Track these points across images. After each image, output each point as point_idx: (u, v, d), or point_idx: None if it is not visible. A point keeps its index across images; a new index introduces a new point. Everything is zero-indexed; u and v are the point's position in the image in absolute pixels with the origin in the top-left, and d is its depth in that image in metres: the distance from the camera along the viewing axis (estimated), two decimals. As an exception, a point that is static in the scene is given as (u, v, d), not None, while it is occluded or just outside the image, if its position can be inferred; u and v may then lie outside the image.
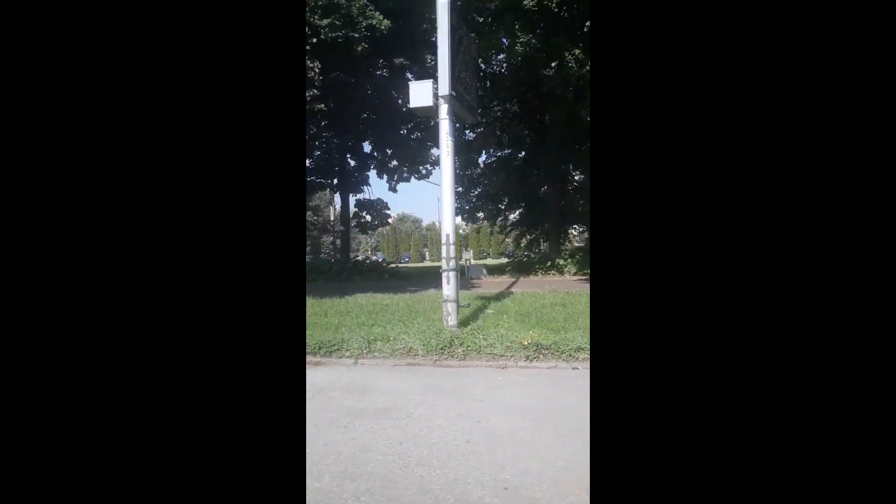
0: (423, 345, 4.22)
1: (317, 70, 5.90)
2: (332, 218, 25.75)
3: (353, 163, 16.68)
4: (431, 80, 4.58)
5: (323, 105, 6.06)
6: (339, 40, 5.75)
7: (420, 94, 4.52)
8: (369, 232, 22.32)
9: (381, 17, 5.84)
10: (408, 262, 26.68)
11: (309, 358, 4.30)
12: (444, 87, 4.22)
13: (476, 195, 17.59)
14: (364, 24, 5.80)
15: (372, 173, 17.80)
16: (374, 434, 2.64)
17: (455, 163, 4.67)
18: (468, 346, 4.15)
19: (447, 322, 4.73)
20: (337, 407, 3.10)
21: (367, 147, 16.60)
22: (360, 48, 5.88)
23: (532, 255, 16.10)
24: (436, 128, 14.96)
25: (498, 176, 16.38)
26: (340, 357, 4.27)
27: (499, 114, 15.41)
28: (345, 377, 3.80)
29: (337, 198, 21.27)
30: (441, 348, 4.16)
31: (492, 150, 16.36)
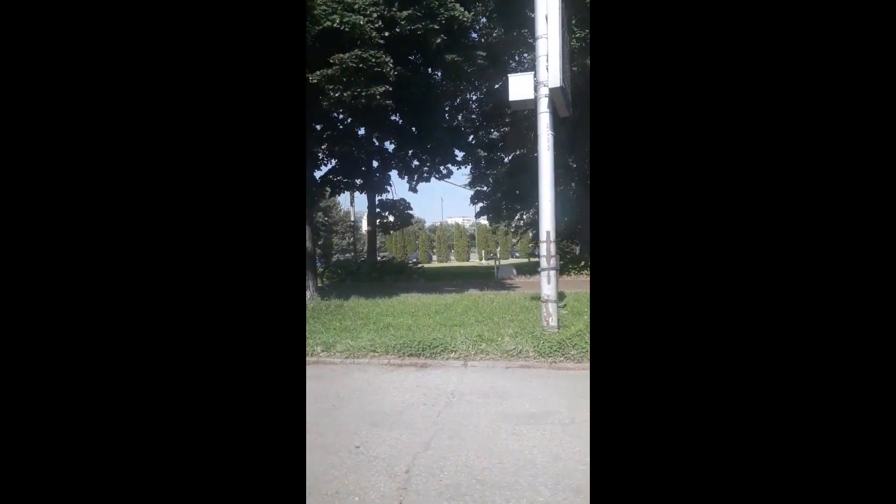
0: (535, 347, 4.07)
1: (391, 65, 5.76)
2: (351, 218, 25.62)
3: (376, 163, 16.50)
4: (532, 72, 4.43)
5: (391, 101, 5.91)
6: (419, 33, 5.62)
7: (521, 86, 4.38)
8: (391, 232, 22.15)
9: (462, 10, 5.71)
10: (416, 262, 26.57)
11: (414, 360, 4.15)
12: (556, 78, 4.08)
13: (501, 193, 17.42)
14: (445, 15, 5.68)
15: (390, 174, 17.63)
16: (553, 441, 2.49)
17: (551, 156, 4.51)
18: (582, 348, 4.00)
19: (547, 323, 4.57)
20: (486, 412, 2.95)
21: (388, 146, 16.41)
22: (438, 41, 5.74)
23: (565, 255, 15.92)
24: (458, 128, 14.62)
25: (524, 175, 16.21)
26: (447, 359, 4.11)
27: (525, 112, 15.27)
28: (466, 379, 3.65)
29: (344, 198, 21.06)
30: (554, 350, 4.01)
31: (518, 151, 16.18)
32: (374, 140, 15.32)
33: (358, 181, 16.51)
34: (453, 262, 40.26)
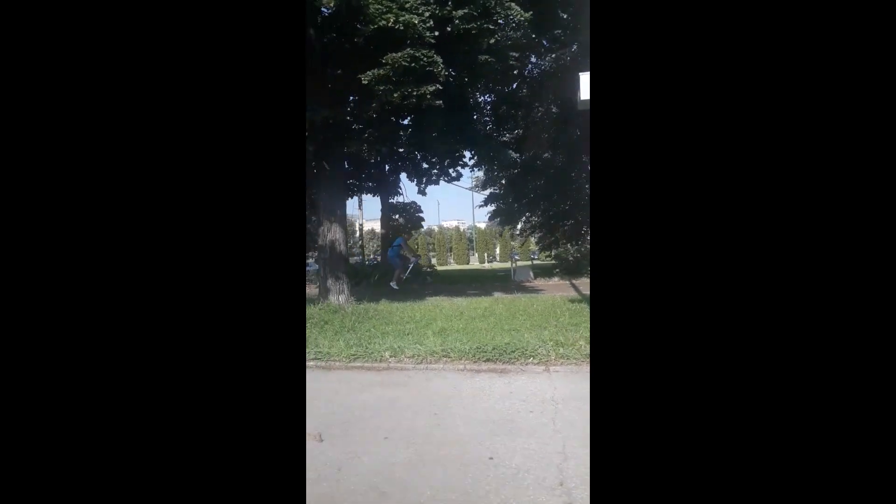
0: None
1: (441, 64, 5.66)
2: (360, 221, 25.48)
3: (387, 165, 16.36)
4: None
5: (441, 102, 5.81)
6: (473, 32, 5.53)
7: (592, 85, 4.30)
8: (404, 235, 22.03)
9: (519, 9, 5.62)
10: (416, 264, 26.31)
11: (491, 365, 4.04)
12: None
13: (513, 197, 17.37)
14: (502, 14, 5.60)
15: (400, 176, 17.48)
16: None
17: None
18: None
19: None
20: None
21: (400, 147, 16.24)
22: (492, 41, 5.65)
23: (578, 256, 15.85)
24: (472, 129, 14.39)
25: (539, 178, 16.18)
26: (525, 364, 4.01)
27: (540, 115, 15.25)
28: (557, 385, 3.54)
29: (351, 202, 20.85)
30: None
31: (531, 152, 16.13)
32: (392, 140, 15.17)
33: (370, 183, 16.34)
34: (453, 266, 40.15)
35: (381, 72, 5.40)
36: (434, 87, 5.62)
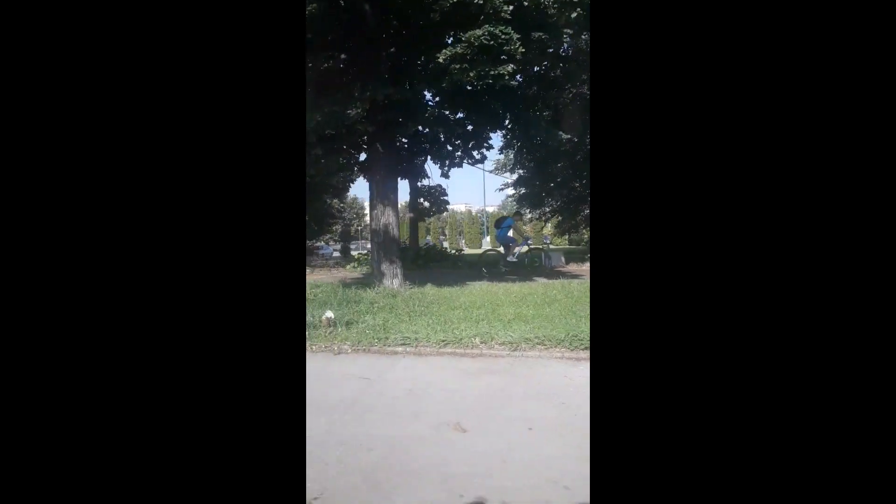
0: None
1: (517, 41, 5.47)
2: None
3: (415, 148, 16.13)
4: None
5: (516, 82, 5.61)
6: (554, 7, 5.32)
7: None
8: (426, 219, 21.91)
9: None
10: (430, 246, 26.10)
11: (575, 353, 3.95)
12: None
13: (539, 181, 17.19)
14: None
15: (424, 158, 17.23)
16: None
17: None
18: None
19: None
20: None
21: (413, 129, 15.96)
22: (574, 14, 5.46)
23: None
24: (491, 112, 14.14)
25: (565, 162, 15.97)
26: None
27: (570, 96, 14.99)
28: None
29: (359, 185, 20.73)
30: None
31: (561, 135, 15.88)
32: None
33: (399, 166, 16.11)
34: (465, 249, 40.07)
35: (459, 49, 5.21)
36: (511, 67, 5.43)
